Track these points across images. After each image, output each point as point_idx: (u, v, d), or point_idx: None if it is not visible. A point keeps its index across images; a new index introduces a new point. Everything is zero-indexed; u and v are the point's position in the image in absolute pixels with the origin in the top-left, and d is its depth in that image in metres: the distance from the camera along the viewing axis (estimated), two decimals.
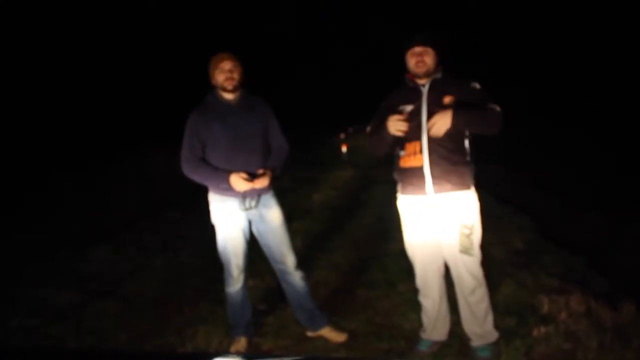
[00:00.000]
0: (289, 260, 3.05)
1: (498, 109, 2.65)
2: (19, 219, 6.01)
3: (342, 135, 14.41)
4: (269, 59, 16.99)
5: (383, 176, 9.20)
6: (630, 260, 4.12)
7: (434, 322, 2.91)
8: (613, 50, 13.18)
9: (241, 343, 3.09)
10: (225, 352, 3.01)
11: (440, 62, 2.79)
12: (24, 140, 8.71)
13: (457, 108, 2.59)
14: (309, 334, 3.17)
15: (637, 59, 11.88)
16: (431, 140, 2.67)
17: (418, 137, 2.70)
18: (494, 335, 2.82)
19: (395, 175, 2.87)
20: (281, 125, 3.08)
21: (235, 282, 3.01)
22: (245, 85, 2.99)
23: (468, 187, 2.72)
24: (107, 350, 2.46)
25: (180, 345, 3.17)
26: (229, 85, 2.88)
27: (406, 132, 2.67)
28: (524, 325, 3.05)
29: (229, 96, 2.92)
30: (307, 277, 3.20)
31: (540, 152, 9.53)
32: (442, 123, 2.58)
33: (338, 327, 3.19)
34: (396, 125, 2.65)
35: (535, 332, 2.95)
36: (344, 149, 11.99)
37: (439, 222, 2.73)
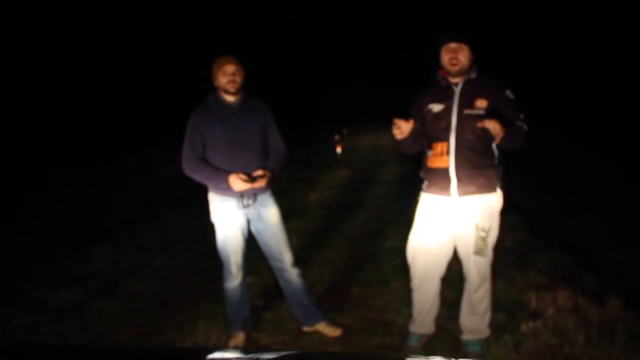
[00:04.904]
0: (287, 257, 3.13)
1: (525, 127, 2.64)
2: (19, 219, 6.05)
3: (337, 137, 14.49)
4: (268, 59, 17.03)
5: (377, 177, 9.31)
6: (617, 257, 4.21)
7: (423, 318, 2.96)
8: (611, 53, 13.26)
9: (239, 338, 3.16)
10: (224, 347, 3.08)
11: (475, 61, 2.70)
12: (24, 140, 8.76)
13: (506, 130, 2.52)
14: (305, 329, 3.25)
15: (635, 63, 11.96)
16: (459, 142, 2.64)
17: (446, 138, 2.66)
18: (486, 332, 2.88)
19: (422, 174, 2.85)
20: (280, 126, 3.17)
21: (234, 279, 3.09)
22: (246, 87, 3.05)
23: (493, 190, 2.71)
24: (108, 347, 2.53)
25: (180, 341, 3.22)
26: (232, 88, 2.95)
27: (406, 137, 2.64)
28: (513, 321, 3.13)
29: (230, 98, 2.98)
30: (304, 274, 3.27)
31: (534, 152, 9.59)
32: (498, 130, 2.51)
33: (333, 323, 3.27)
34: (394, 130, 2.64)
35: (523, 328, 3.03)
36: (338, 149, 12.08)
37: (458, 224, 2.73)
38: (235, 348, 3.02)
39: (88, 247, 5.11)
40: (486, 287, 2.82)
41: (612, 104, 11.79)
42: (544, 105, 13.26)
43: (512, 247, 4.52)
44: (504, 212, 5.53)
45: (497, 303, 3.34)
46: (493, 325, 2.98)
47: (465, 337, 2.91)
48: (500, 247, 4.45)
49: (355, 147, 15.10)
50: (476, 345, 2.87)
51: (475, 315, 2.84)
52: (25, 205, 6.47)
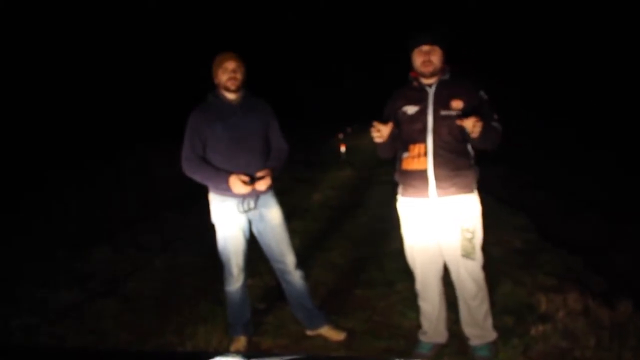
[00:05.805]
0: (289, 259, 3.06)
1: (500, 128, 2.62)
2: (19, 219, 6.02)
3: (341, 136, 14.41)
4: (268, 59, 16.99)
5: (381, 176, 9.25)
6: (627, 259, 4.15)
7: (434, 326, 2.89)
8: (611, 50, 13.21)
9: (241, 342, 3.10)
10: (225, 351, 3.03)
11: (447, 61, 2.69)
12: (23, 140, 8.72)
13: (484, 125, 2.49)
14: (308, 332, 3.19)
15: (635, 59, 11.91)
16: (436, 143, 2.62)
17: (423, 140, 2.64)
18: (492, 335, 2.83)
19: (397, 177, 2.81)
20: (281, 125, 3.10)
21: (235, 281, 3.03)
22: (247, 86, 3.00)
23: (471, 191, 2.69)
24: (107, 350, 2.48)
25: (180, 345, 3.18)
26: (232, 85, 2.89)
27: (386, 140, 2.62)
28: (522, 324, 3.07)
29: (231, 96, 2.93)
30: (306, 276, 3.21)
31: (539, 152, 9.56)
32: (476, 126, 2.48)
33: (337, 326, 3.21)
34: (373, 133, 2.61)
35: (533, 331, 2.97)
36: (342, 149, 12.01)
37: (440, 226, 2.69)
38: (237, 352, 2.96)
39: (88, 247, 5.09)
40: (483, 294, 2.76)
41: (612, 104, 11.74)
42: (544, 105, 13.22)
43: (519, 248, 4.47)
44: (511, 213, 5.50)
45: (506, 306, 3.30)
46: (501, 328, 2.92)
47: (473, 342, 2.85)
48: (508, 249, 4.44)
49: (358, 146, 15.06)
50: (484, 349, 2.81)
51: (476, 321, 2.79)
52: (25, 205, 6.45)
